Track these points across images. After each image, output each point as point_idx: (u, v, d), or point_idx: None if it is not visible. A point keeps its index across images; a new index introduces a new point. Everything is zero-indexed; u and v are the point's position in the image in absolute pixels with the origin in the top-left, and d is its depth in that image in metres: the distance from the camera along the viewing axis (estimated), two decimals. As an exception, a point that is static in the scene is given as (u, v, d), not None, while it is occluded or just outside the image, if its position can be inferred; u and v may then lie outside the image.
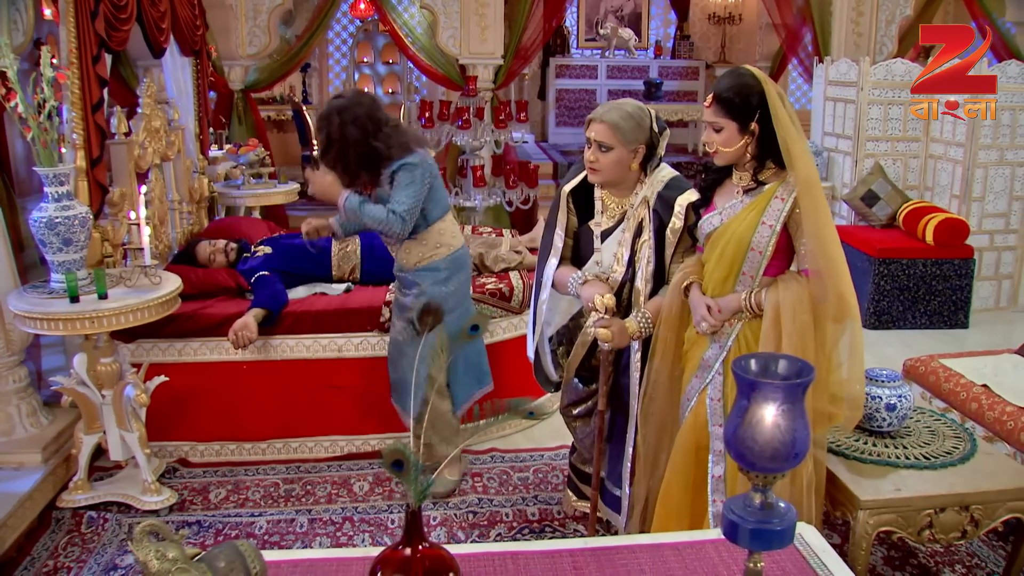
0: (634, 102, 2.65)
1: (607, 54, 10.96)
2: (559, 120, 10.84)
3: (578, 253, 2.78)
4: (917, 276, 5.32)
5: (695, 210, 2.51)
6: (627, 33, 10.90)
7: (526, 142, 9.80)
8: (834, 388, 2.36)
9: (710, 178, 2.46)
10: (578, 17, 11.21)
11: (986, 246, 5.61)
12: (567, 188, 2.75)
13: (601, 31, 10.93)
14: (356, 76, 10.22)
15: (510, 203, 6.34)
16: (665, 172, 2.65)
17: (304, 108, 9.06)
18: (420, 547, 1.32)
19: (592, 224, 2.71)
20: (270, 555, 1.50)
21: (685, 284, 2.48)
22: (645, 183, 2.64)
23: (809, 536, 1.76)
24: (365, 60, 10.20)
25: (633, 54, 11.01)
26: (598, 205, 2.71)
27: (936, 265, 5.30)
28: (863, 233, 5.64)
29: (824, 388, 2.33)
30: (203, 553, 1.36)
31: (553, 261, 2.76)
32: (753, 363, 1.29)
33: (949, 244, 5.24)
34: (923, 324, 5.38)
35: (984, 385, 3.26)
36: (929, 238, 5.26)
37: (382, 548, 1.40)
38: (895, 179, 5.86)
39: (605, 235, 2.69)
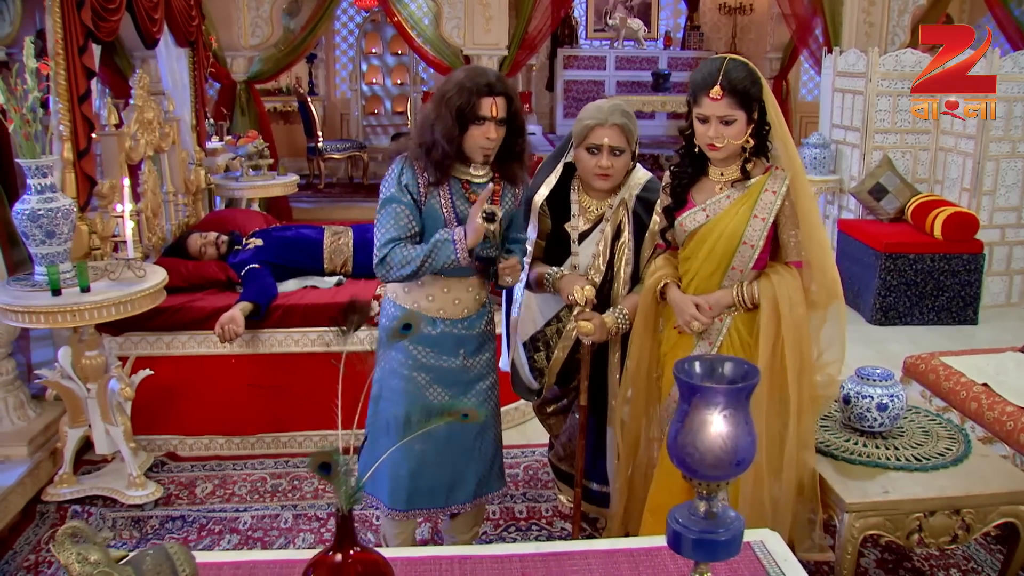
0: (619, 101, 2.59)
1: (616, 45, 10.86)
2: (567, 111, 10.75)
3: (552, 255, 2.68)
4: (925, 271, 5.21)
5: (667, 213, 2.40)
6: (636, 23, 10.79)
7: (533, 134, 9.73)
8: (817, 369, 2.36)
9: (685, 182, 2.36)
10: (587, 7, 11.12)
11: (997, 241, 5.48)
12: (540, 199, 2.62)
13: (610, 21, 10.82)
14: (364, 67, 10.18)
15: (514, 195, 6.28)
16: (641, 174, 2.59)
17: (309, 99, 9.03)
18: (352, 551, 1.28)
19: (568, 227, 2.62)
20: (208, 556, 1.47)
21: (660, 286, 2.41)
22: (623, 185, 2.57)
23: (772, 544, 1.69)
24: (374, 51, 10.16)
25: (642, 45, 10.90)
26: (574, 208, 2.62)
27: (944, 260, 5.19)
28: (870, 227, 5.54)
29: (812, 376, 2.31)
30: (130, 556, 1.32)
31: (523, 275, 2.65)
32: (698, 366, 1.22)
33: (958, 239, 5.13)
34: (931, 320, 5.27)
35: (985, 384, 3.17)
36: (937, 232, 5.15)
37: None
38: (904, 172, 5.73)
39: (582, 237, 2.61)
